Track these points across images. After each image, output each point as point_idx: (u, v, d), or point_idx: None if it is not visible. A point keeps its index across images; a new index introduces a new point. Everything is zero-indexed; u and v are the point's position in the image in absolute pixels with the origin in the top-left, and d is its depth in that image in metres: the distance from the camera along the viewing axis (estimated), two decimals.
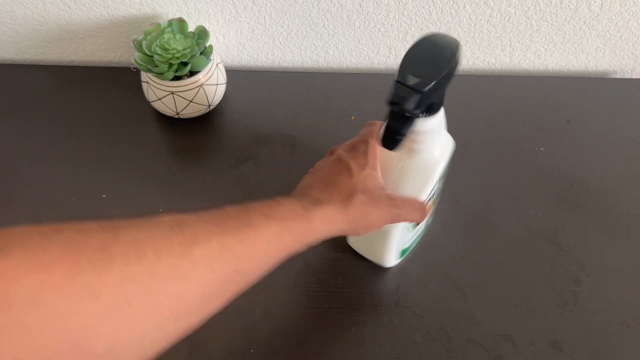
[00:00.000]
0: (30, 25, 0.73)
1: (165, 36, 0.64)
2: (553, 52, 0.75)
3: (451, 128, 0.69)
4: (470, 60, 0.76)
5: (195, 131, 0.69)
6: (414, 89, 0.37)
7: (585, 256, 0.58)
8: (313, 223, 0.40)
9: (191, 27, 0.70)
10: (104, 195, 0.62)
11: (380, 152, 0.46)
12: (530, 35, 0.72)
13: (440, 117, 0.44)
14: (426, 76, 0.37)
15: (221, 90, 0.69)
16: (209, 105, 0.68)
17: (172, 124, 0.70)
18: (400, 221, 0.46)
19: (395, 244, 0.52)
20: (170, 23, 0.66)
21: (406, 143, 0.45)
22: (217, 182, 0.64)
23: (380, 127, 0.45)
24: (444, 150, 0.48)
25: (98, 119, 0.70)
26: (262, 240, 0.36)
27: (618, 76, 0.79)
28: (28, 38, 0.75)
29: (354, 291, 0.55)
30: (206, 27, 0.67)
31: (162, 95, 0.65)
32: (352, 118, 0.69)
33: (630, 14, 0.69)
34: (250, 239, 0.35)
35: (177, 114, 0.67)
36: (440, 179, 0.50)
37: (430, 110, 0.42)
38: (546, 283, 0.56)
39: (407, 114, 0.39)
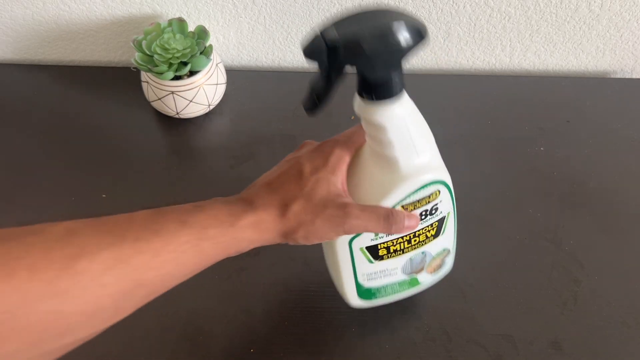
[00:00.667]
0: (30, 25, 0.73)
1: (165, 36, 0.64)
2: (553, 52, 0.75)
3: (451, 128, 0.69)
4: (471, 60, 0.76)
5: (195, 131, 0.69)
6: (324, 40, 0.33)
7: (585, 256, 0.58)
8: (239, 231, 0.37)
9: (191, 27, 0.70)
10: (103, 195, 0.62)
11: (350, 156, 0.41)
12: (530, 35, 0.72)
13: (399, 116, 0.37)
14: (344, 35, 0.33)
15: (221, 90, 0.69)
16: (209, 105, 0.68)
17: (172, 124, 0.70)
18: (356, 232, 0.40)
19: (347, 274, 0.45)
20: (170, 23, 0.66)
21: (373, 146, 0.39)
22: (217, 182, 0.64)
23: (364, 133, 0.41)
24: (418, 169, 0.39)
25: (98, 119, 0.70)
26: (171, 249, 0.34)
27: (618, 76, 0.79)
28: (28, 38, 0.75)
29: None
30: (206, 27, 0.67)
31: (162, 95, 0.65)
32: (352, 118, 0.69)
33: (630, 14, 0.69)
34: (155, 248, 0.33)
35: (177, 113, 0.67)
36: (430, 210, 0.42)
37: (375, 89, 0.36)
38: (546, 283, 0.56)
39: (320, 69, 0.35)
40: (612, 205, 0.62)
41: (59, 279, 0.29)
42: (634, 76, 0.79)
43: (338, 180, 0.40)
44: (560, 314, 0.54)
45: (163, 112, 0.68)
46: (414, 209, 0.41)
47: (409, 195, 0.40)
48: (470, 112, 0.71)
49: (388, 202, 0.40)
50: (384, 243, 0.43)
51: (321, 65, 0.35)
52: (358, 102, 0.38)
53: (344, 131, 0.43)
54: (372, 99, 0.37)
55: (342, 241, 0.43)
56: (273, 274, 0.54)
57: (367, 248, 0.43)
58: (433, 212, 0.42)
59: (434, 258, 0.48)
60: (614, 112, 0.72)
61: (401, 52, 0.34)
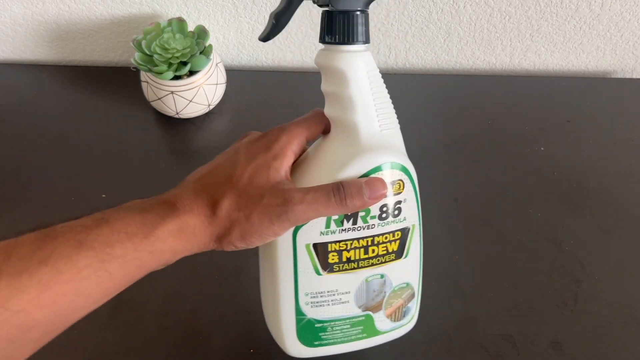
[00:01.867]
0: (30, 25, 0.73)
1: (165, 36, 0.64)
2: (553, 52, 0.75)
3: (451, 128, 0.70)
4: (471, 60, 0.76)
5: (195, 131, 0.69)
6: None
7: (585, 256, 0.58)
8: (156, 243, 0.31)
9: (191, 27, 0.70)
10: (103, 195, 0.62)
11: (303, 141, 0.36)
12: (530, 35, 0.72)
13: (362, 66, 0.34)
14: None
15: (221, 90, 0.69)
16: (209, 105, 0.68)
17: (172, 124, 0.70)
18: (304, 220, 0.33)
19: (286, 292, 0.36)
20: (170, 23, 0.66)
21: (332, 106, 0.35)
22: None
23: (325, 121, 0.36)
24: (383, 145, 0.35)
25: (98, 119, 0.70)
26: (66, 279, 0.28)
27: (618, 76, 0.79)
28: (28, 38, 0.75)
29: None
30: (206, 27, 0.67)
31: (162, 94, 0.65)
32: None
33: (631, 13, 0.69)
34: (42, 282, 0.27)
35: (177, 113, 0.67)
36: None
37: (340, 32, 0.34)
38: (546, 283, 0.56)
39: None
40: (612, 205, 0.62)
41: None
42: (634, 76, 0.79)
43: (281, 166, 0.33)
44: (560, 314, 0.54)
45: (163, 112, 0.68)
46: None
47: (367, 173, 0.34)
48: (470, 112, 0.71)
49: (343, 174, 0.34)
50: (335, 243, 0.35)
51: None
52: (320, 52, 0.36)
53: (295, 119, 0.37)
54: (336, 41, 0.34)
55: (284, 236, 0.35)
56: None
57: (315, 246, 0.35)
58: (396, 213, 0.36)
59: (394, 292, 0.39)
60: (614, 112, 0.72)
61: None
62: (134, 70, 0.66)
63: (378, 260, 0.37)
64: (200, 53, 0.65)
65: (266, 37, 0.34)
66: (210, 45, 0.66)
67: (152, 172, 0.65)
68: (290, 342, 0.39)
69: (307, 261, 0.35)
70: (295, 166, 0.36)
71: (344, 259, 0.36)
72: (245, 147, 0.35)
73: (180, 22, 0.66)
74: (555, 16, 0.70)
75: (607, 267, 0.57)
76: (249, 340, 0.52)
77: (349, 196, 0.32)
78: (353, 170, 0.34)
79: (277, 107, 0.71)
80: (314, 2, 0.35)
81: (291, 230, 0.34)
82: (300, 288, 0.36)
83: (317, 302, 0.37)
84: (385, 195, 0.34)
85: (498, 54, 0.75)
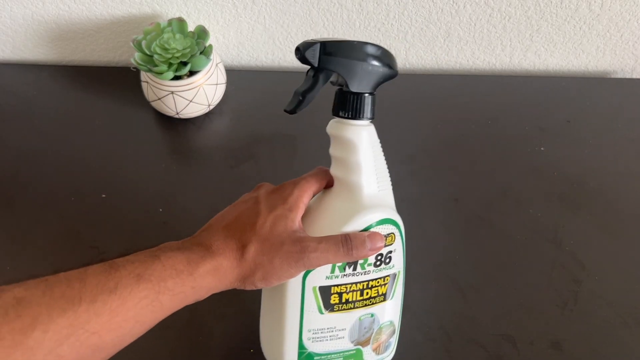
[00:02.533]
0: (30, 25, 0.73)
1: (165, 36, 0.64)
2: (553, 52, 0.75)
3: (452, 128, 0.69)
4: (471, 60, 0.76)
5: (195, 131, 0.69)
6: (316, 40, 0.38)
7: (585, 256, 0.58)
8: (198, 279, 0.36)
9: (191, 27, 0.70)
10: (103, 195, 0.62)
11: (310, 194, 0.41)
12: (530, 35, 0.72)
13: (368, 137, 0.40)
14: (335, 41, 0.38)
15: (221, 90, 0.69)
16: (209, 105, 0.68)
17: (172, 124, 0.70)
18: (316, 265, 0.39)
19: (291, 329, 0.42)
20: (170, 23, 0.66)
21: (338, 168, 0.41)
22: (217, 182, 0.64)
23: (329, 176, 0.42)
24: (378, 201, 0.41)
25: (98, 119, 0.70)
26: (129, 307, 0.32)
27: (618, 76, 0.79)
28: (28, 38, 0.75)
29: None
30: (206, 27, 0.67)
31: (162, 95, 0.65)
32: None
33: (631, 13, 0.69)
34: (112, 309, 0.31)
35: (177, 113, 0.67)
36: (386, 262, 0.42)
37: (352, 109, 0.40)
38: (546, 283, 0.56)
39: (308, 66, 0.39)
40: (612, 205, 0.62)
41: (10, 357, 0.27)
42: (634, 76, 0.79)
43: (296, 217, 0.39)
44: (560, 314, 0.54)
45: (163, 112, 0.68)
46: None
47: (368, 228, 0.40)
48: (470, 112, 0.71)
49: (347, 228, 0.40)
50: (337, 286, 0.41)
51: (313, 63, 0.38)
52: (332, 123, 0.42)
53: (304, 175, 0.43)
54: (348, 117, 0.40)
55: (295, 279, 0.40)
56: None
57: (320, 289, 0.41)
58: (387, 261, 0.42)
59: (380, 329, 0.45)
60: (614, 112, 0.72)
61: (381, 73, 0.40)
62: (134, 70, 0.66)
63: (370, 301, 0.43)
64: (200, 53, 0.65)
65: (293, 110, 0.40)
66: (210, 45, 0.66)
67: (152, 172, 0.65)
68: None
69: (312, 301, 0.41)
70: (304, 216, 0.41)
71: (343, 300, 0.42)
72: (264, 198, 0.40)
73: (180, 22, 0.66)
74: (555, 16, 0.70)
75: (607, 267, 0.57)
76: (249, 340, 0.52)
77: (354, 247, 0.38)
78: (355, 224, 0.40)
79: (277, 107, 0.71)
80: (332, 83, 0.41)
81: (302, 273, 0.40)
82: (305, 325, 0.42)
83: (318, 338, 0.43)
84: (382, 247, 0.40)
85: (498, 54, 0.75)
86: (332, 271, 0.40)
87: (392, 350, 0.48)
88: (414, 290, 0.55)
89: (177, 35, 0.64)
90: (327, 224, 0.40)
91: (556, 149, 0.67)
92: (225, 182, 0.64)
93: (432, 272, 0.57)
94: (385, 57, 0.40)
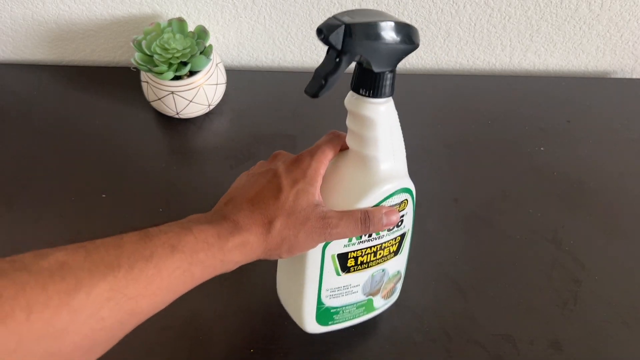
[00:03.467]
0: (30, 25, 0.73)
1: (165, 36, 0.64)
2: (553, 52, 0.75)
3: (452, 128, 0.70)
4: (471, 60, 0.76)
5: (195, 131, 0.69)
6: (339, 21, 0.36)
7: (585, 256, 0.58)
8: (227, 254, 0.37)
9: (191, 27, 0.70)
10: (103, 195, 0.62)
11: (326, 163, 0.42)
12: (530, 35, 0.72)
13: (388, 114, 0.40)
14: (360, 20, 0.36)
15: (221, 90, 0.69)
16: (209, 105, 0.68)
17: (172, 124, 0.70)
18: (335, 239, 0.41)
19: (311, 290, 0.45)
20: (170, 23, 0.66)
21: (356, 143, 0.41)
22: (217, 182, 0.64)
23: (343, 138, 0.43)
24: (395, 173, 0.42)
25: (98, 119, 0.70)
26: (164, 276, 0.33)
27: (618, 76, 0.79)
28: (28, 38, 0.75)
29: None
30: (206, 27, 0.67)
31: (162, 95, 0.65)
32: None
33: (631, 13, 0.69)
34: (148, 276, 0.32)
35: (177, 113, 0.67)
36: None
37: (374, 88, 0.39)
38: (546, 283, 0.56)
39: (332, 53, 0.37)
40: (612, 205, 0.62)
41: (57, 317, 0.28)
42: (634, 76, 0.79)
43: (316, 190, 0.41)
44: (560, 314, 0.54)
45: (163, 112, 0.68)
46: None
47: (385, 199, 0.42)
48: (470, 112, 0.71)
49: (364, 204, 0.41)
50: (354, 252, 0.44)
51: (336, 46, 0.36)
52: (352, 98, 0.41)
53: (318, 141, 0.44)
54: (369, 95, 0.39)
55: (316, 249, 0.43)
56: (273, 274, 0.54)
57: (338, 256, 0.44)
58: (399, 223, 0.44)
59: (389, 279, 0.48)
60: (614, 112, 0.72)
61: (405, 50, 0.38)
62: (134, 70, 0.66)
63: (382, 259, 0.46)
64: (200, 53, 0.65)
65: (315, 94, 0.38)
66: (210, 46, 0.66)
67: (152, 172, 0.65)
68: (309, 323, 0.48)
69: (331, 266, 0.44)
70: (322, 186, 0.43)
71: (359, 262, 0.45)
72: (284, 172, 0.41)
73: (180, 22, 0.66)
74: (555, 16, 0.70)
75: (607, 267, 0.57)
76: (249, 340, 0.52)
77: (372, 224, 0.40)
78: (372, 197, 0.41)
79: (277, 107, 0.71)
80: (356, 60, 0.39)
81: (322, 244, 0.42)
82: (323, 285, 0.45)
83: (334, 295, 0.46)
84: (397, 221, 0.43)
85: (498, 54, 0.75)
86: (350, 240, 0.43)
87: (397, 293, 0.52)
88: (414, 290, 0.55)
89: (177, 35, 0.64)
90: (344, 196, 0.42)
91: (556, 149, 0.67)
92: (225, 182, 0.63)
93: (432, 272, 0.57)
94: (411, 34, 0.38)
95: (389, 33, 0.37)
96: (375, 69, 0.38)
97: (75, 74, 0.76)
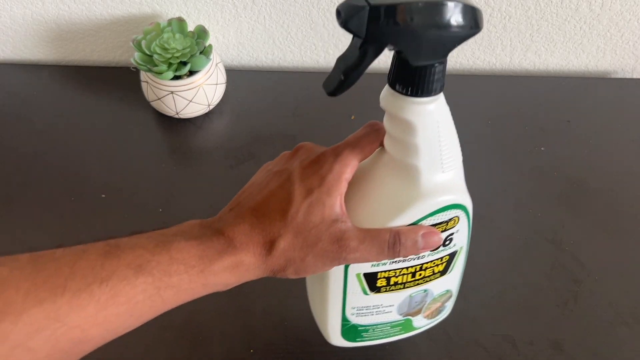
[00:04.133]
0: (30, 25, 0.73)
1: (165, 36, 0.64)
2: (553, 52, 0.75)
3: None
4: (471, 60, 0.76)
5: (195, 131, 0.69)
6: (366, 1, 0.27)
7: (585, 256, 0.58)
8: (211, 276, 0.32)
9: (191, 27, 0.70)
10: (103, 195, 0.62)
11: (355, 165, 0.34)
12: (530, 35, 0.72)
13: (432, 117, 0.32)
14: (390, 5, 0.27)
15: (221, 90, 0.69)
16: (209, 105, 0.68)
17: (172, 124, 0.70)
18: (354, 263, 0.34)
19: (334, 306, 0.38)
20: (169, 22, 0.66)
21: (394, 151, 0.33)
22: (217, 182, 0.64)
23: (383, 134, 0.35)
24: (442, 187, 0.34)
25: (98, 119, 0.70)
26: (121, 302, 0.29)
27: (618, 76, 0.79)
28: (27, 38, 0.75)
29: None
30: (206, 27, 0.67)
31: (162, 94, 0.65)
32: (352, 118, 0.69)
33: (631, 13, 0.69)
34: (100, 302, 0.28)
35: (177, 113, 0.67)
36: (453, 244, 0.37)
37: (413, 84, 0.30)
38: (546, 283, 0.56)
39: (355, 40, 0.29)
40: (612, 205, 0.62)
41: None
42: (634, 76, 0.79)
43: (336, 202, 0.33)
44: (560, 314, 0.54)
45: (163, 112, 0.68)
46: None
47: (426, 217, 0.34)
48: (470, 112, 0.71)
49: (401, 222, 0.33)
50: (385, 272, 0.36)
51: (359, 34, 0.28)
52: (387, 95, 0.32)
53: (350, 136, 0.35)
54: (408, 93, 0.31)
55: (335, 268, 0.36)
56: None
57: (365, 275, 0.37)
58: (447, 242, 0.37)
59: (434, 299, 0.41)
60: (614, 112, 0.72)
61: (457, 38, 0.30)
62: (134, 70, 0.66)
63: (424, 280, 0.38)
64: (200, 53, 0.65)
65: (333, 92, 0.31)
66: (210, 45, 0.66)
67: (152, 172, 0.65)
68: (335, 338, 0.41)
69: (356, 285, 0.37)
70: (349, 186, 0.35)
71: (392, 283, 0.37)
72: (299, 177, 0.34)
73: (180, 22, 0.66)
74: (555, 16, 0.70)
75: (607, 267, 0.57)
76: (249, 340, 0.52)
77: (403, 249, 0.33)
78: (411, 215, 0.33)
79: (277, 107, 0.71)
80: (389, 49, 0.30)
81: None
82: (348, 304, 0.38)
83: (362, 313, 0.39)
84: (439, 244, 0.35)
85: (498, 54, 0.75)
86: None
87: (447, 312, 0.44)
88: None
89: (177, 35, 0.64)
90: (374, 211, 0.34)
91: (556, 149, 0.67)
92: (225, 182, 0.64)
93: None
94: (466, 14, 0.28)
95: (431, 15, 0.27)
96: (414, 63, 0.29)
97: (75, 74, 0.76)
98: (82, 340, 0.29)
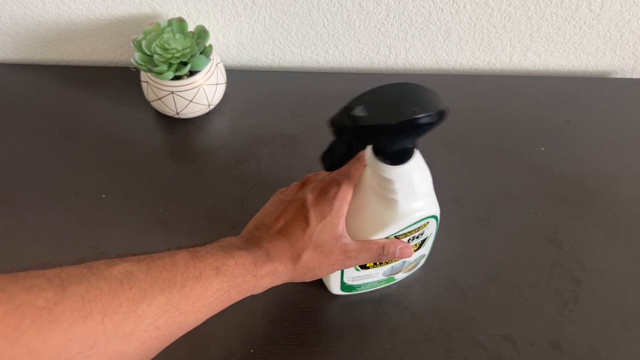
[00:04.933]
0: (30, 25, 0.73)
1: (165, 36, 0.64)
2: (553, 52, 0.75)
3: (452, 128, 0.69)
4: (471, 60, 0.76)
5: (195, 131, 0.69)
6: (352, 122, 0.35)
7: (585, 256, 0.58)
8: (259, 280, 0.41)
9: (191, 27, 0.70)
10: (103, 195, 0.62)
11: (351, 192, 0.45)
12: (530, 35, 0.72)
13: (407, 173, 0.41)
14: (374, 118, 0.35)
15: (221, 90, 0.69)
16: (209, 105, 0.68)
17: (172, 124, 0.70)
18: (353, 266, 0.46)
19: (334, 276, 0.50)
20: (170, 23, 0.66)
21: (377, 188, 0.43)
22: (217, 182, 0.64)
23: (364, 161, 0.45)
24: (415, 210, 0.44)
25: (98, 119, 0.70)
26: (208, 295, 0.37)
27: (618, 76, 0.79)
28: (27, 38, 0.75)
29: (356, 292, 0.55)
30: (206, 27, 0.67)
31: (162, 95, 0.65)
32: None
33: (631, 13, 0.69)
34: (197, 294, 0.36)
35: (177, 113, 0.67)
36: (419, 241, 0.48)
37: (391, 158, 0.39)
38: (546, 283, 0.56)
39: (344, 141, 0.38)
40: (612, 205, 0.62)
41: (126, 321, 0.31)
42: (634, 76, 0.79)
43: (340, 221, 0.44)
44: (560, 314, 0.54)
45: (163, 112, 0.68)
46: (405, 237, 0.46)
47: (402, 230, 0.45)
48: (470, 112, 0.71)
49: (383, 234, 0.45)
50: None
51: (346, 140, 0.38)
52: (371, 157, 0.41)
53: (343, 167, 0.45)
54: (387, 162, 0.40)
55: None
56: None
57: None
58: (419, 236, 0.48)
59: (411, 262, 0.53)
60: (614, 112, 0.72)
61: (423, 134, 0.37)
62: (134, 70, 0.66)
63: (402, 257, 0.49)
64: (200, 53, 0.65)
65: (329, 169, 0.42)
66: (210, 45, 0.66)
67: (152, 172, 0.65)
68: (335, 291, 0.54)
69: (350, 268, 0.48)
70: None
71: (377, 264, 0.49)
72: (312, 204, 0.44)
73: (180, 22, 0.66)
74: (555, 16, 0.70)
75: (607, 267, 0.57)
76: (249, 340, 0.52)
77: (385, 257, 0.45)
78: (391, 230, 0.45)
79: (277, 107, 0.71)
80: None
81: None
82: (345, 276, 0.50)
83: (356, 279, 0.51)
84: (411, 254, 0.47)
85: (498, 54, 0.75)
86: None
87: (421, 264, 0.56)
88: (414, 290, 0.55)
89: (177, 35, 0.64)
90: (364, 225, 0.45)
91: (556, 149, 0.67)
92: (225, 182, 0.64)
93: (432, 272, 0.57)
94: (432, 119, 0.35)
95: (404, 130, 0.35)
96: (390, 151, 0.39)
97: (75, 74, 0.76)
98: (183, 325, 0.36)
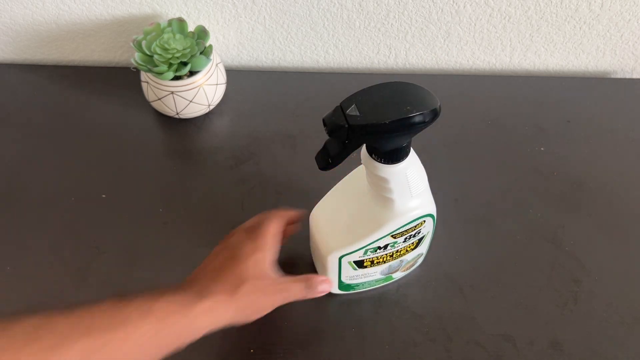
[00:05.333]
0: (30, 25, 0.73)
1: (165, 36, 0.64)
2: (553, 52, 0.75)
3: (452, 128, 0.69)
4: (470, 60, 0.76)
5: (195, 131, 0.69)
6: (345, 121, 0.35)
7: (585, 256, 0.58)
8: (194, 319, 0.40)
9: (191, 27, 0.70)
10: (103, 196, 0.62)
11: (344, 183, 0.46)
12: (530, 35, 0.72)
13: (402, 172, 0.41)
14: (367, 117, 0.35)
15: (221, 90, 0.69)
16: (209, 105, 0.68)
17: (172, 124, 0.70)
18: (290, 300, 0.46)
19: (333, 274, 0.51)
20: (170, 23, 0.66)
21: (373, 187, 0.43)
22: (217, 182, 0.64)
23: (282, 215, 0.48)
24: (411, 209, 0.44)
25: (98, 119, 0.70)
26: (133, 340, 0.36)
27: (618, 76, 0.79)
28: (28, 38, 0.75)
29: (354, 291, 0.55)
30: (206, 27, 0.67)
31: (162, 95, 0.65)
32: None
33: (631, 13, 0.69)
34: (119, 340, 0.35)
35: (177, 114, 0.67)
36: (417, 239, 0.48)
37: (385, 157, 0.40)
38: (546, 283, 0.56)
39: (338, 141, 0.38)
40: (612, 205, 0.62)
41: None
42: (634, 76, 0.79)
43: (267, 258, 0.45)
44: (560, 314, 0.54)
45: (163, 112, 0.68)
46: (401, 235, 0.46)
47: (399, 229, 0.45)
48: (470, 112, 0.71)
49: (380, 233, 0.45)
50: (369, 259, 0.48)
51: (340, 140, 0.37)
52: (365, 157, 0.41)
53: (267, 214, 0.48)
54: (381, 161, 0.40)
55: (332, 256, 0.48)
56: None
57: (355, 262, 0.48)
58: (416, 235, 0.48)
59: (408, 262, 0.53)
60: (614, 112, 0.72)
61: (416, 133, 0.38)
62: (134, 70, 0.66)
63: (400, 255, 0.50)
64: (200, 53, 0.65)
65: (323, 169, 0.41)
66: (210, 46, 0.66)
67: (152, 172, 0.65)
68: (334, 290, 0.53)
69: (348, 267, 0.49)
70: (343, 205, 0.48)
71: (375, 263, 0.49)
72: (239, 243, 0.46)
73: (180, 22, 0.66)
74: (555, 16, 0.70)
75: (607, 267, 0.57)
76: (249, 340, 0.52)
77: (311, 293, 0.46)
78: (387, 229, 0.45)
79: (277, 108, 0.71)
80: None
81: (338, 255, 0.47)
82: (342, 275, 0.50)
83: (353, 279, 0.52)
84: (330, 289, 0.48)
85: (498, 54, 0.75)
86: (365, 253, 0.47)
87: (419, 263, 0.56)
88: (414, 290, 0.55)
89: (177, 35, 0.64)
90: (361, 224, 0.45)
91: (556, 149, 0.67)
92: (225, 182, 0.64)
93: (432, 272, 0.57)
94: (426, 119, 0.36)
95: (395, 128, 0.36)
96: (383, 150, 0.39)
97: (75, 74, 0.76)
98: None
